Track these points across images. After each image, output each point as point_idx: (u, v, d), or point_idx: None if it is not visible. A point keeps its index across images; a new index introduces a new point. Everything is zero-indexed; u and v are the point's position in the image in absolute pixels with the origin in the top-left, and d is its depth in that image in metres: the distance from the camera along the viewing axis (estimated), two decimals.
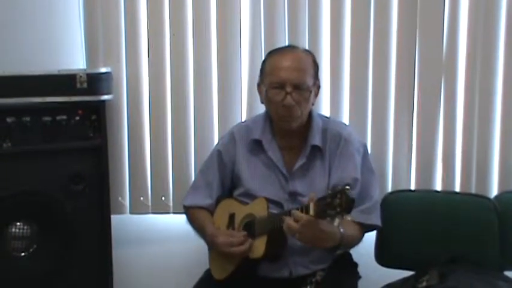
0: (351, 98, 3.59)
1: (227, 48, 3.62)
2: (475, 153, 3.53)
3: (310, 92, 3.00)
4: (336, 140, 3.09)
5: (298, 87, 2.97)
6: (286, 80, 2.96)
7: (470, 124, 3.51)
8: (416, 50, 3.49)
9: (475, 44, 3.46)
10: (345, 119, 3.59)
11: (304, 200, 2.78)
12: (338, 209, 2.53)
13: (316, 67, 3.09)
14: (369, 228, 3.08)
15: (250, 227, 3.00)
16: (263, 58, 3.28)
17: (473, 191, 3.51)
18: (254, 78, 3.38)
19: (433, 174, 3.57)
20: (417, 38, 3.48)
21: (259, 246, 2.93)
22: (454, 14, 3.46)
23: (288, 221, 2.68)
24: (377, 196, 3.13)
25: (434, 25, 3.47)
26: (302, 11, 3.55)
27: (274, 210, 2.98)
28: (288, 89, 2.96)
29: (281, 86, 2.97)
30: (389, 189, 3.57)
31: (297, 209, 2.71)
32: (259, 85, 3.12)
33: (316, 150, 3.08)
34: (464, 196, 3.41)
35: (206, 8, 3.59)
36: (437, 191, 3.54)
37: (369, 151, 3.35)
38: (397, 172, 3.58)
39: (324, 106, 3.58)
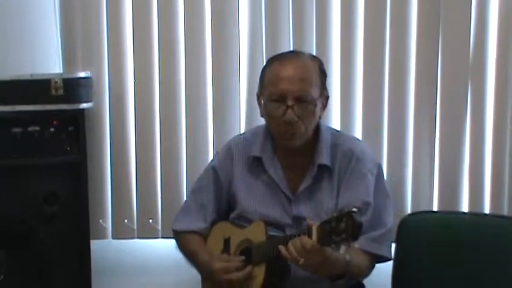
0: (364, 108, 3.46)
1: (224, 51, 3.49)
2: (508, 168, 3.35)
3: (316, 105, 2.83)
4: (346, 157, 2.92)
5: (301, 99, 2.79)
6: (287, 91, 2.79)
7: (501, 136, 3.34)
8: (439, 52, 3.35)
9: (507, 43, 3.29)
10: (358, 132, 3.47)
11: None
12: (344, 235, 2.37)
13: (323, 76, 2.91)
14: (378, 259, 2.91)
15: (247, 254, 2.83)
16: (264, 63, 3.12)
17: (505, 212, 3.34)
18: (254, 85, 3.25)
19: (459, 193, 3.42)
20: (440, 38, 3.34)
21: (257, 276, 2.76)
22: (482, 10, 3.30)
23: (289, 245, 2.54)
24: (391, 224, 2.95)
25: (460, 23, 3.32)
26: (309, 9, 3.42)
27: (276, 235, 2.82)
28: (290, 102, 2.78)
29: (281, 98, 2.80)
30: (409, 210, 3.42)
31: (298, 235, 2.57)
32: (258, 96, 2.95)
33: (324, 170, 2.92)
34: (495, 218, 3.20)
35: (200, 5, 3.48)
36: (464, 213, 3.39)
37: (385, 167, 3.31)
38: (418, 191, 3.44)
39: (333, 119, 3.47)
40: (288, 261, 2.59)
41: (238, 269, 2.77)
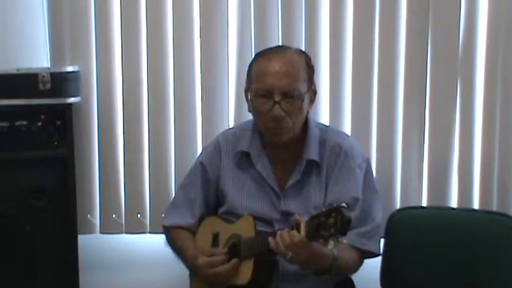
0: (353, 103, 3.44)
1: (212, 46, 3.45)
2: (496, 164, 3.33)
3: (303, 100, 2.82)
4: (335, 153, 2.91)
5: (288, 95, 2.78)
6: (274, 87, 2.77)
7: (490, 131, 3.33)
8: (429, 47, 3.33)
9: (496, 39, 3.28)
10: (347, 127, 3.45)
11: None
12: (332, 230, 2.37)
13: (310, 70, 2.90)
14: (366, 254, 2.90)
15: (236, 249, 2.81)
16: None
17: (494, 208, 3.33)
18: (242, 80, 3.22)
19: (448, 188, 3.40)
20: (429, 32, 3.32)
21: (245, 271, 2.74)
22: (471, 7, 3.29)
23: (278, 238, 2.53)
24: (379, 219, 2.95)
25: (449, 18, 3.31)
26: (298, 4, 3.39)
27: (264, 230, 2.81)
28: (277, 98, 2.77)
29: (268, 94, 2.78)
30: (398, 205, 3.40)
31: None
32: (246, 92, 2.95)
33: (313, 165, 2.91)
34: (483, 214, 3.21)
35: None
36: (453, 208, 3.36)
37: (374, 162, 3.32)
38: (407, 186, 3.42)
39: (322, 114, 3.44)
40: (276, 253, 2.58)
41: (223, 263, 2.77)
